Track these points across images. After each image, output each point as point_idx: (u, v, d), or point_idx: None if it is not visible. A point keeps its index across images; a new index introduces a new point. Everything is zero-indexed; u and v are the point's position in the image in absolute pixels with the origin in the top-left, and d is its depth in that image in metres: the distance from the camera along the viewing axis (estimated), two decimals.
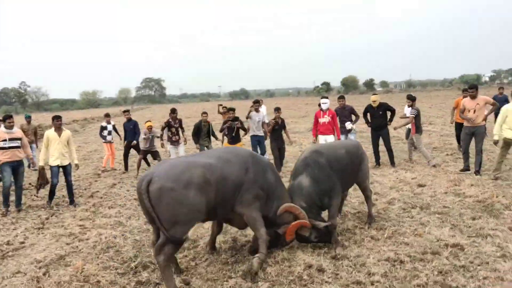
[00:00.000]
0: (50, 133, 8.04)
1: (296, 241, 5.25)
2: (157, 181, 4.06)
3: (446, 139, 14.02)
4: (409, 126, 10.94)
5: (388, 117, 10.27)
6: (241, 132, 10.66)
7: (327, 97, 10.04)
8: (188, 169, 4.25)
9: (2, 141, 7.68)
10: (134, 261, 5.09)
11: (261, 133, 10.60)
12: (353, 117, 10.40)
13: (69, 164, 8.17)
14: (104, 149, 12.26)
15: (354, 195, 7.47)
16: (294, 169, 5.53)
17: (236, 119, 10.34)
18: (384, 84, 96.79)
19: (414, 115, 10.19)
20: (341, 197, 5.79)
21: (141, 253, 5.38)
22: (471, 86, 8.84)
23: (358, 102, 37.71)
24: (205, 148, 10.74)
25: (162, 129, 10.78)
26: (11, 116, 7.90)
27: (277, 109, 10.42)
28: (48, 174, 8.18)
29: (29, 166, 11.08)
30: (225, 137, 10.90)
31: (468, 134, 8.76)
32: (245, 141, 12.56)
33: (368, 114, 10.43)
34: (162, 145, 10.91)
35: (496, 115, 13.61)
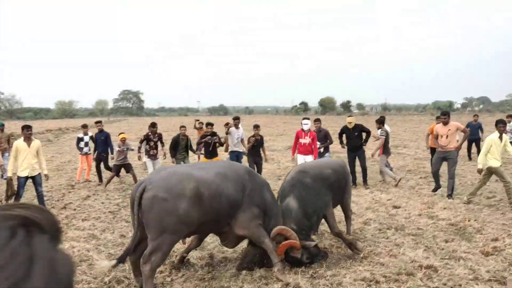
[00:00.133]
0: (19, 143, 7.85)
1: (288, 264, 5.23)
2: (151, 189, 4.14)
3: (420, 162, 14.33)
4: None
5: (364, 138, 10.51)
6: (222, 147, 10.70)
7: (308, 118, 10.21)
8: (182, 181, 4.29)
9: None
10: (107, 276, 4.98)
11: (239, 149, 10.72)
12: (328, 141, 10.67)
13: (39, 174, 7.99)
14: (79, 161, 11.98)
15: None
16: (281, 190, 5.55)
17: (214, 134, 10.39)
18: (360, 106, 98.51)
19: (384, 136, 10.49)
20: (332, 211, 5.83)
21: (115, 268, 5.26)
22: (443, 113, 9.16)
23: (335, 123, 38.29)
24: (182, 162, 10.69)
25: (141, 142, 10.68)
26: None
27: (256, 127, 10.57)
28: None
29: (2, 176, 10.76)
30: (201, 151, 10.98)
31: (440, 158, 9.02)
32: (223, 156, 12.56)
33: (344, 135, 10.65)
34: (139, 158, 10.81)
35: (469, 142, 14.11)
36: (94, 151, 11.48)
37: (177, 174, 4.40)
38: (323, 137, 10.58)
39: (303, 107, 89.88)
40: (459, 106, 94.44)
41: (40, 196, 8.00)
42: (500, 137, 8.11)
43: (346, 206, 6.30)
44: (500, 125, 8.16)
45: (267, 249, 4.89)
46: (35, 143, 8.00)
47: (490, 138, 8.18)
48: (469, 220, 7.02)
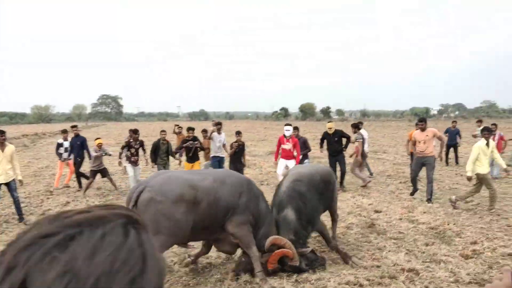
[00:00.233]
0: None
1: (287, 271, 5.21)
2: (149, 191, 4.19)
3: (399, 167, 14.57)
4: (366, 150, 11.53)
5: (344, 143, 10.74)
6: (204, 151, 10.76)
7: (290, 124, 10.51)
8: (181, 186, 4.31)
9: None
10: None
11: (221, 154, 10.85)
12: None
13: (13, 180, 7.83)
14: (58, 167, 11.75)
15: None
16: (278, 201, 5.52)
17: (195, 139, 10.42)
18: (340, 112, 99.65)
19: (360, 140, 10.84)
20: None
21: None
22: (420, 120, 9.44)
23: (315, 129, 38.68)
24: (162, 167, 10.64)
25: (122, 148, 10.61)
26: None
27: (238, 133, 10.72)
28: None
29: None
30: (181, 155, 11.05)
31: (419, 164, 9.22)
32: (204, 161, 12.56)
33: (325, 140, 10.86)
34: (120, 164, 10.73)
35: (447, 147, 14.45)
36: (69, 155, 11.29)
37: (177, 179, 4.45)
38: (302, 145, 10.81)
39: (284, 113, 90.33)
40: (435, 112, 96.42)
41: (16, 202, 7.82)
42: (487, 144, 8.29)
43: (333, 211, 6.40)
44: (485, 132, 8.36)
45: (253, 256, 4.91)
46: (9, 148, 7.83)
47: (477, 146, 8.35)
48: (448, 224, 7.17)
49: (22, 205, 8.72)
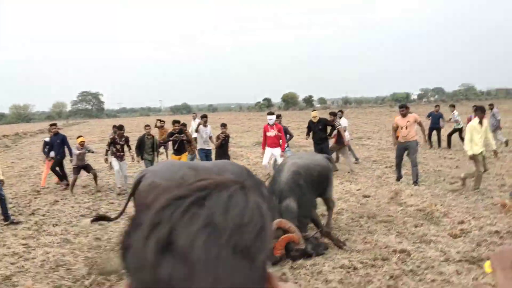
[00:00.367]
0: None
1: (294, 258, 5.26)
2: (149, 177, 4.31)
3: (384, 152, 14.78)
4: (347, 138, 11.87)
5: (328, 132, 10.90)
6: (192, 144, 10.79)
7: (272, 113, 10.66)
8: (180, 168, 4.40)
9: None
10: (87, 279, 4.91)
11: (208, 147, 10.92)
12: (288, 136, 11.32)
13: None
14: (45, 166, 11.57)
15: None
16: (278, 190, 5.56)
17: (181, 131, 10.45)
18: (322, 100, 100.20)
19: (339, 125, 11.24)
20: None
21: (94, 271, 5.19)
22: (400, 106, 9.64)
23: (299, 118, 38.83)
24: (150, 162, 10.64)
25: (108, 145, 10.55)
26: None
27: (224, 125, 10.74)
28: None
29: None
30: (165, 149, 11.13)
31: (402, 149, 9.42)
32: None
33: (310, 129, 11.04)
34: (106, 160, 10.71)
35: (430, 130, 14.77)
36: (48, 153, 11.08)
37: (177, 163, 4.59)
38: (283, 133, 10.91)
39: (267, 103, 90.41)
40: (415, 97, 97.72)
41: (2, 200, 7.70)
42: (480, 123, 8.40)
43: (329, 198, 6.50)
44: (478, 112, 8.47)
45: None
46: None
47: (471, 125, 8.48)
48: (435, 205, 7.34)
49: (10, 205, 8.63)
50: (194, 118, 14.72)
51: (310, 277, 4.73)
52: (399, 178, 9.73)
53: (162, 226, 0.48)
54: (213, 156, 11.13)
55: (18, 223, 7.61)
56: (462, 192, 8.37)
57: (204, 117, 11.16)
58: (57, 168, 10.79)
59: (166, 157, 12.29)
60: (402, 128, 9.30)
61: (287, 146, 11.19)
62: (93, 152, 10.92)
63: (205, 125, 10.91)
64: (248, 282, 0.48)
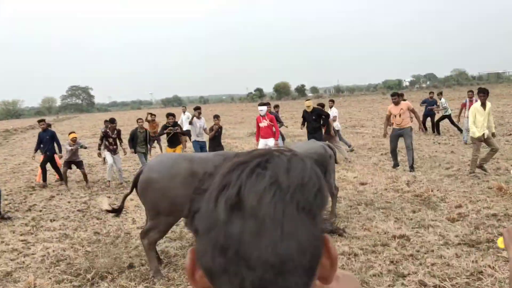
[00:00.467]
0: None
1: None
2: (146, 172, 4.32)
3: (379, 140, 14.84)
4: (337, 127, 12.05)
5: (322, 121, 10.89)
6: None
7: (263, 104, 10.56)
8: (175, 160, 4.41)
9: None
10: (89, 273, 4.89)
11: (202, 139, 10.90)
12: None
13: None
14: (40, 162, 11.43)
15: None
16: None
17: (175, 124, 10.44)
18: (314, 89, 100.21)
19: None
20: None
21: (95, 264, 5.17)
22: (393, 94, 9.76)
23: (291, 108, 38.85)
24: (143, 155, 10.64)
25: (101, 139, 10.49)
26: None
27: (216, 117, 10.68)
28: None
29: None
30: (158, 142, 11.15)
31: (396, 136, 9.51)
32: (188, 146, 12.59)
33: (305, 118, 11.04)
34: (99, 155, 10.70)
35: (425, 117, 14.86)
36: (36, 150, 10.95)
37: (173, 156, 4.61)
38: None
39: (259, 94, 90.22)
40: (407, 84, 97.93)
41: None
42: (483, 105, 8.36)
43: (331, 185, 6.47)
44: (481, 94, 8.41)
45: None
46: None
47: (474, 107, 8.45)
48: (432, 191, 7.40)
49: (5, 202, 8.60)
50: (184, 112, 14.59)
51: None
52: (395, 165, 9.80)
53: (230, 187, 0.52)
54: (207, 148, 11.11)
55: (9, 218, 7.55)
56: (458, 177, 8.43)
57: (197, 109, 11.10)
58: (48, 164, 10.65)
59: (160, 150, 12.21)
60: (395, 116, 9.39)
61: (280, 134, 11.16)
62: (85, 147, 10.91)
63: (199, 117, 10.87)
64: (311, 238, 0.52)
